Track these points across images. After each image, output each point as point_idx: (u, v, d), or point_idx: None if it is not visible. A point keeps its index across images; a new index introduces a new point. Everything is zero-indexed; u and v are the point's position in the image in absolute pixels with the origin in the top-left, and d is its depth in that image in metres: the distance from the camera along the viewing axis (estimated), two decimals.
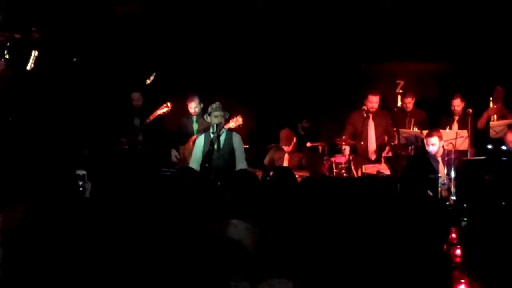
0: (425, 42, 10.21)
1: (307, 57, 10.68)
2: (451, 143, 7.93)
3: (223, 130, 7.50)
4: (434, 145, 7.70)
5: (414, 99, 9.64)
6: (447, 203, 6.80)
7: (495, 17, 9.46)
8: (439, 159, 7.74)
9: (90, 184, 5.11)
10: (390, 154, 9.03)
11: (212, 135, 7.36)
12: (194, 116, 8.83)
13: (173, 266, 3.58)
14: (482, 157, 8.20)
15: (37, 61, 8.92)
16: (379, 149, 9.19)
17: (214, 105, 7.52)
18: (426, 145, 7.87)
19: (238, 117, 7.90)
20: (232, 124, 7.79)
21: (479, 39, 9.87)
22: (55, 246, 3.69)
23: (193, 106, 8.75)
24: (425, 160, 7.88)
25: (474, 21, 9.67)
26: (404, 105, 9.74)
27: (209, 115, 7.52)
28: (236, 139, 7.57)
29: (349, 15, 9.93)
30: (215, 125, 7.32)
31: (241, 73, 10.62)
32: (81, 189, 5.04)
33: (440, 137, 7.79)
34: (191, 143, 8.44)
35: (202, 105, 8.75)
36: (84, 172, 5.24)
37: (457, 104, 9.10)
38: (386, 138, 9.23)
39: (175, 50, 10.40)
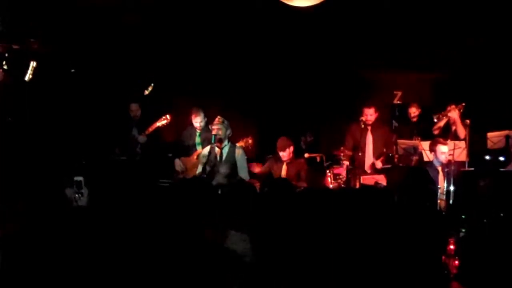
0: (422, 51, 10.25)
1: (305, 70, 10.72)
2: (450, 154, 7.97)
3: (226, 143, 7.85)
4: (444, 153, 7.77)
5: (419, 109, 9.64)
6: (445, 214, 6.80)
7: (492, 25, 9.50)
8: (439, 169, 7.77)
9: (87, 190, 5.13)
10: (388, 165, 9.00)
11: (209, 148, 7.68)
12: (198, 130, 8.86)
13: (171, 274, 3.57)
14: (480, 168, 8.21)
15: (35, 71, 8.93)
16: None
17: (216, 118, 7.85)
18: (436, 154, 7.89)
19: (248, 138, 8.17)
20: (242, 143, 8.08)
21: (476, 49, 9.91)
22: (52, 253, 3.69)
23: (198, 121, 8.74)
24: (424, 171, 7.88)
25: (472, 29, 9.71)
26: (409, 116, 9.72)
27: (213, 125, 7.89)
28: (238, 152, 7.89)
29: (347, 24, 9.96)
30: (213, 136, 7.66)
31: (241, 85, 10.65)
32: (78, 195, 5.05)
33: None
34: (195, 157, 8.60)
35: (206, 119, 8.79)
36: (81, 178, 5.27)
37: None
38: (384, 150, 9.20)
39: (174, 61, 10.41)
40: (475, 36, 9.78)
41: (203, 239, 4.00)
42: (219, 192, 5.06)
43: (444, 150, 7.81)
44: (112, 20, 9.43)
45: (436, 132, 9.03)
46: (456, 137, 8.67)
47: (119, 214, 4.42)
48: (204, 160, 7.82)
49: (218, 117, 7.89)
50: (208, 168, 7.73)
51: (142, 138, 9.02)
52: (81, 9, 9.10)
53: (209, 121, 8.70)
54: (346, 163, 8.87)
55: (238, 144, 8.20)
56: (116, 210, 4.60)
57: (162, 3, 9.37)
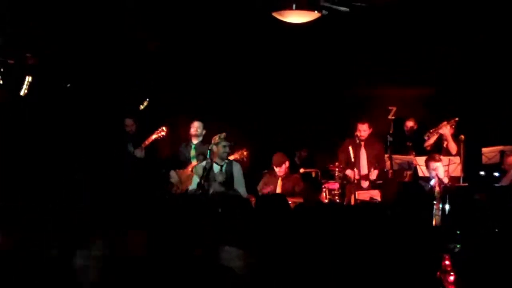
0: (416, 66, 10.29)
1: (300, 86, 10.75)
2: (446, 170, 8.00)
3: (225, 160, 7.85)
4: (436, 169, 7.79)
5: (416, 124, 9.65)
6: (440, 229, 6.80)
7: (487, 40, 9.56)
8: (436, 184, 7.79)
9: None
10: (381, 180, 9.01)
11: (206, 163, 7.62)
12: (194, 142, 8.89)
13: None
14: (475, 184, 8.24)
15: (30, 86, 8.93)
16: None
17: (222, 135, 7.79)
18: (428, 170, 7.93)
19: (243, 150, 8.18)
20: (236, 156, 8.09)
21: (470, 64, 9.96)
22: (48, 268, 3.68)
23: (196, 126, 8.82)
24: (418, 186, 7.90)
25: (466, 44, 9.77)
26: (405, 128, 9.74)
27: (217, 144, 7.73)
28: (236, 168, 7.88)
29: (339, 41, 10.02)
30: (208, 151, 7.62)
31: (236, 101, 10.67)
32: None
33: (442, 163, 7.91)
34: (189, 169, 8.63)
35: (204, 132, 8.83)
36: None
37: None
38: (377, 165, 9.20)
39: (169, 76, 10.43)
40: (470, 46, 9.83)
41: (196, 254, 4.00)
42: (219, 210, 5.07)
43: (435, 166, 7.85)
44: (106, 36, 9.46)
45: (428, 149, 9.04)
46: (448, 153, 8.69)
47: (115, 228, 4.42)
48: (200, 172, 7.77)
49: (224, 133, 7.87)
50: (202, 182, 7.68)
51: (139, 152, 9.04)
52: (75, 25, 9.13)
53: (204, 136, 8.75)
54: (350, 174, 8.86)
55: (233, 156, 8.20)
56: (113, 225, 4.60)
57: (157, 18, 9.41)
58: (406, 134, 9.74)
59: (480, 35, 9.54)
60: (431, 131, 9.03)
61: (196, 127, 8.84)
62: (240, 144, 8.67)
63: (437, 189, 7.65)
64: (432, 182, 7.77)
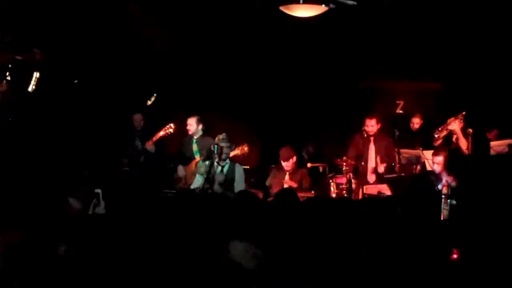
0: (424, 61, 10.27)
1: (308, 80, 10.74)
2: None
3: (228, 161, 7.91)
4: (439, 164, 7.77)
5: (422, 120, 9.64)
6: (448, 223, 6.80)
7: (494, 34, 9.53)
8: (443, 178, 7.79)
9: (103, 202, 5.27)
10: (392, 174, 8.98)
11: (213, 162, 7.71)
12: (194, 137, 8.87)
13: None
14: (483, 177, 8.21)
15: (38, 82, 8.96)
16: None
17: (221, 136, 7.82)
18: (432, 164, 7.92)
19: (244, 145, 8.18)
20: (237, 151, 8.06)
21: (478, 58, 9.93)
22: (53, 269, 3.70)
23: (190, 123, 8.79)
24: (427, 178, 7.91)
25: (472, 39, 9.74)
26: (412, 125, 9.73)
27: (217, 145, 7.78)
28: (238, 170, 7.98)
29: (346, 35, 10.01)
30: (215, 147, 7.61)
31: (243, 96, 10.67)
32: (96, 207, 5.25)
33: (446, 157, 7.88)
34: (193, 165, 8.63)
35: (202, 126, 8.80)
36: (99, 191, 5.43)
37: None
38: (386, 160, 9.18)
39: (176, 71, 10.44)
40: (476, 41, 9.80)
41: (206, 249, 4.01)
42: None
43: (438, 161, 7.84)
44: (113, 32, 9.47)
45: (437, 143, 9.00)
46: (458, 148, 8.66)
47: (126, 225, 4.45)
48: (202, 171, 7.78)
49: (224, 134, 7.88)
50: (205, 185, 7.66)
51: (150, 147, 9.07)
52: (83, 21, 9.14)
53: (209, 130, 8.76)
54: (350, 174, 8.85)
55: (234, 152, 8.21)
56: (124, 221, 4.63)
57: (164, 14, 9.42)
58: (412, 130, 9.71)
59: (483, 30, 9.51)
60: (440, 128, 8.99)
61: (189, 125, 8.81)
62: (247, 139, 8.69)
63: (444, 191, 7.61)
64: (440, 186, 7.75)
